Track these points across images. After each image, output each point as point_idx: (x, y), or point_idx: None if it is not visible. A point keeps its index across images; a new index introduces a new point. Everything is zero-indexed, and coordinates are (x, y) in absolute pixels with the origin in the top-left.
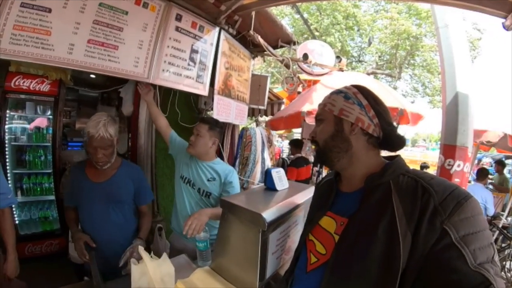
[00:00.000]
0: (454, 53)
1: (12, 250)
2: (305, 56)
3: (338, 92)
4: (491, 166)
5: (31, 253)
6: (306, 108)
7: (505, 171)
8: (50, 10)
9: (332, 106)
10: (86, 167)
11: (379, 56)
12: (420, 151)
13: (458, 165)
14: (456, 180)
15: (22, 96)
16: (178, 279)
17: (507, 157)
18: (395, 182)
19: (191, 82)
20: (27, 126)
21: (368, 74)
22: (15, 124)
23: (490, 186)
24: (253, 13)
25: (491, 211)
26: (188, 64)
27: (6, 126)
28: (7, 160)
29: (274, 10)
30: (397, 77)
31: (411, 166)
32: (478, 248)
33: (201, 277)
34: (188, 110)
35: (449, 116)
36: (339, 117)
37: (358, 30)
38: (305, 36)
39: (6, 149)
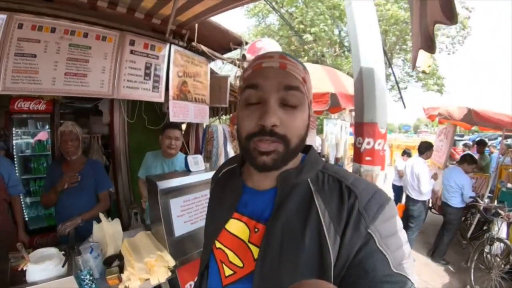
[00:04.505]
0: (357, 27)
1: (21, 225)
2: (244, 57)
3: (297, 60)
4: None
5: (39, 244)
6: None
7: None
8: (35, 56)
9: (306, 84)
10: (62, 164)
11: None
12: (421, 137)
13: (368, 143)
14: (367, 159)
15: (24, 116)
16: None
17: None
18: (314, 181)
19: (148, 93)
20: (31, 140)
21: None
22: (21, 139)
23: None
24: (196, 26)
25: (468, 197)
26: (144, 79)
27: (14, 141)
28: (16, 168)
29: (256, 9)
30: (388, 64)
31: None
32: (397, 248)
33: (141, 237)
34: (153, 114)
35: (355, 92)
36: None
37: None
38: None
39: (15, 159)
